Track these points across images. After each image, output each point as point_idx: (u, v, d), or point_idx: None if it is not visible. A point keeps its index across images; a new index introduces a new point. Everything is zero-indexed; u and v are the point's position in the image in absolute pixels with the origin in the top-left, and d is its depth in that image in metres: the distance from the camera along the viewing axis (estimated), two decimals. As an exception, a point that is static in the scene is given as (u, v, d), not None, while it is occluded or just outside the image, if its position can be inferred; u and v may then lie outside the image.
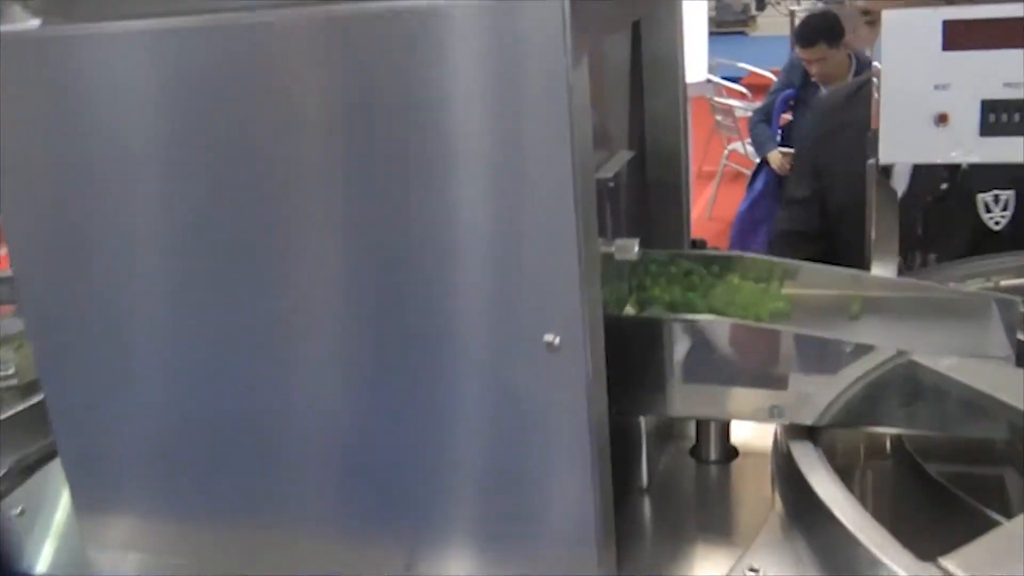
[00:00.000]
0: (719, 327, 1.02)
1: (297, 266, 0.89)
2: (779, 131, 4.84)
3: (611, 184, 1.00)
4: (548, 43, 0.72)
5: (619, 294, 1.16)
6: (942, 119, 1.25)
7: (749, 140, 5.38)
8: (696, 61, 5.56)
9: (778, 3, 9.72)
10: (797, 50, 4.63)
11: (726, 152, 6.33)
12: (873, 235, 1.47)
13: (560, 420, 0.83)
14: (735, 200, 5.32)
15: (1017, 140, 1.24)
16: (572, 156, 0.76)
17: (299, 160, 0.85)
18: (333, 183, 0.85)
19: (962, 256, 1.82)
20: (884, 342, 1.13)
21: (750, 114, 5.66)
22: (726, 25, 10.10)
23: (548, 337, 0.80)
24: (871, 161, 1.43)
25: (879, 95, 1.30)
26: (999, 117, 1.24)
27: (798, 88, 4.77)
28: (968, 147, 1.25)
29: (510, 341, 0.82)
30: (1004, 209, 1.79)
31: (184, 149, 0.87)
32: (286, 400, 0.93)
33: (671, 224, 1.25)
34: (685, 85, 1.19)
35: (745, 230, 5.06)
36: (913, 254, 1.92)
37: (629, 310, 1.15)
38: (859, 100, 1.96)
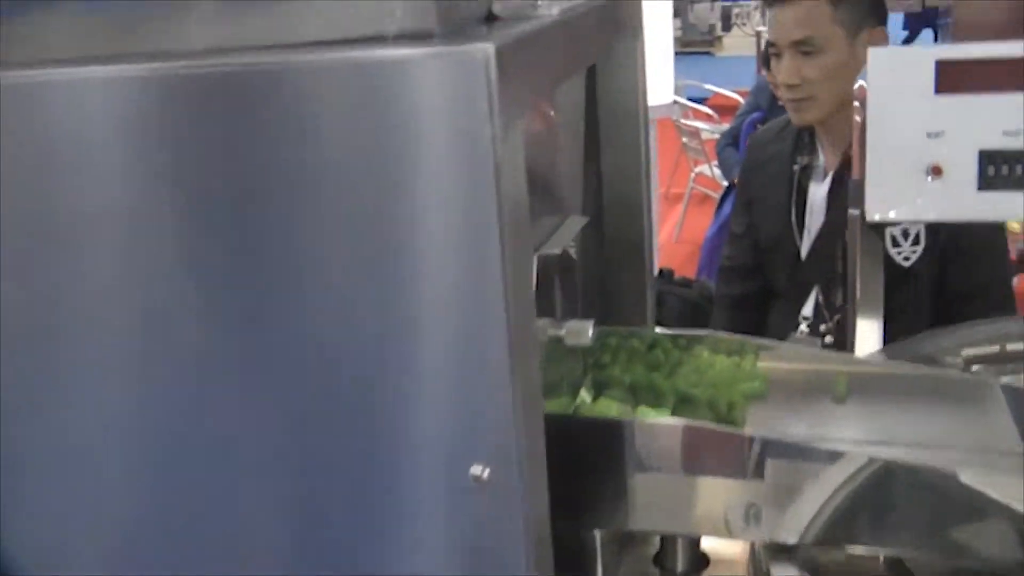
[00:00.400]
0: (684, 432, 0.86)
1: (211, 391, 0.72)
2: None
3: (560, 259, 0.85)
4: (469, 109, 0.56)
5: (572, 376, 1.00)
6: (935, 171, 1.11)
7: (716, 163, 5.28)
8: (662, 82, 5.44)
9: (744, 24, 9.69)
10: (764, 72, 4.53)
11: (693, 174, 6.23)
12: (858, 292, 1.33)
13: (492, 565, 0.66)
14: (703, 223, 5.22)
15: (1019, 196, 1.10)
16: (501, 244, 0.60)
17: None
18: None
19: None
20: (874, 435, 0.99)
21: (717, 136, 5.56)
22: (692, 45, 10.02)
23: (475, 470, 0.64)
24: (854, 213, 1.29)
25: (865, 128, 1.16)
26: (999, 169, 1.10)
27: (766, 110, 4.67)
28: (965, 203, 1.11)
29: (429, 475, 0.66)
30: (915, 243, 1.60)
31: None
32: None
33: (633, 287, 1.10)
34: (648, 134, 1.05)
35: (713, 253, 4.95)
36: (835, 292, 1.82)
37: (584, 396, 1.00)
38: (788, 133, 1.90)
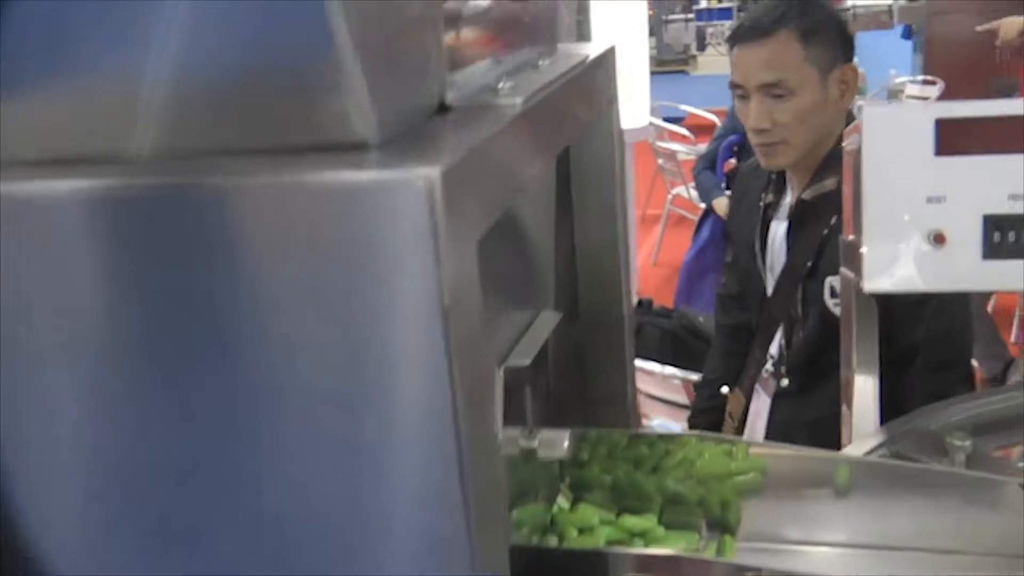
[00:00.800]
0: (673, 563, 0.77)
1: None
2: (724, 177, 4.69)
3: (529, 369, 0.75)
4: (411, 239, 0.46)
5: (548, 479, 0.91)
6: (938, 239, 1.02)
7: (693, 184, 5.21)
8: (638, 105, 5.37)
9: (719, 44, 9.67)
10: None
11: (670, 196, 6.16)
12: (854, 356, 1.25)
13: None
14: (680, 245, 5.15)
15: (1026, 264, 1.02)
16: (451, 383, 0.50)
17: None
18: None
19: (816, 348, 1.65)
20: (877, 538, 0.90)
21: (693, 157, 5.50)
22: (667, 64, 9.99)
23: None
24: (848, 274, 1.21)
25: (857, 188, 1.07)
26: (1005, 236, 1.01)
27: (742, 134, 4.62)
28: (969, 273, 1.03)
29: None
30: None
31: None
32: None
33: (611, 372, 1.00)
34: (624, 203, 0.95)
35: (692, 278, 4.90)
36: (794, 334, 1.75)
37: (562, 502, 0.90)
38: (762, 171, 1.83)
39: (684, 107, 6.75)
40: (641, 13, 5.21)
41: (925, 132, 1.01)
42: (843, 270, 1.24)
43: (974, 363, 1.78)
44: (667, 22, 10.30)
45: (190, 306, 0.55)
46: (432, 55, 0.60)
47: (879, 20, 7.81)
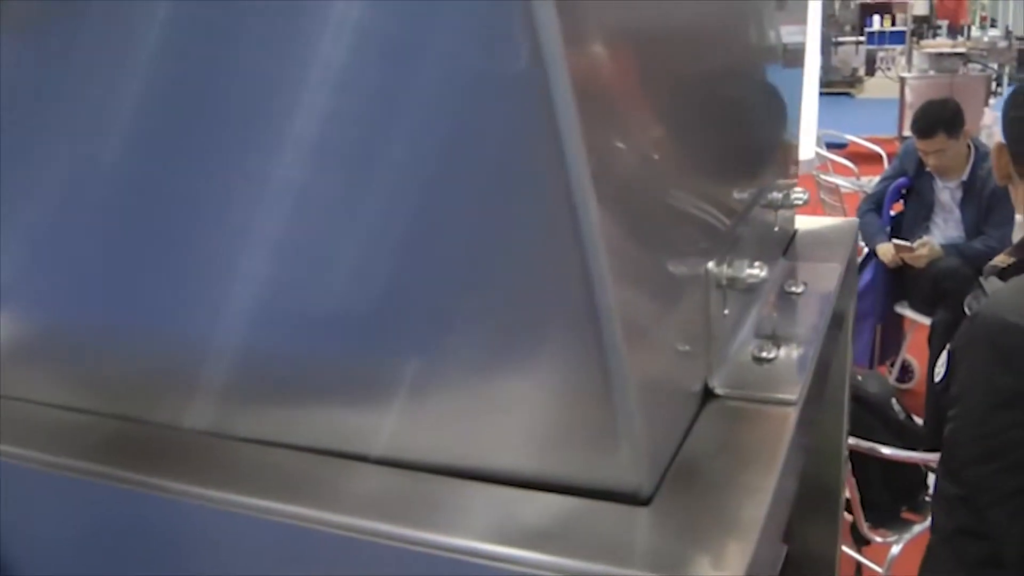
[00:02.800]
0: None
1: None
2: (890, 220, 4.67)
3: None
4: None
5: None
6: None
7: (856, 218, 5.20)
8: (805, 135, 5.40)
9: (889, 68, 9.44)
10: (913, 140, 4.47)
11: (828, 227, 6.15)
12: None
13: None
14: (836, 281, 5.15)
15: None
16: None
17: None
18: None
19: None
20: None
21: (855, 190, 5.46)
22: (833, 85, 9.81)
23: None
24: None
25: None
26: None
27: (911, 177, 4.61)
28: None
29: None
30: None
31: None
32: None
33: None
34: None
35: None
36: None
37: None
38: None
39: (849, 136, 6.68)
40: (814, 37, 5.19)
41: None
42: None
43: None
44: (837, 44, 10.12)
45: None
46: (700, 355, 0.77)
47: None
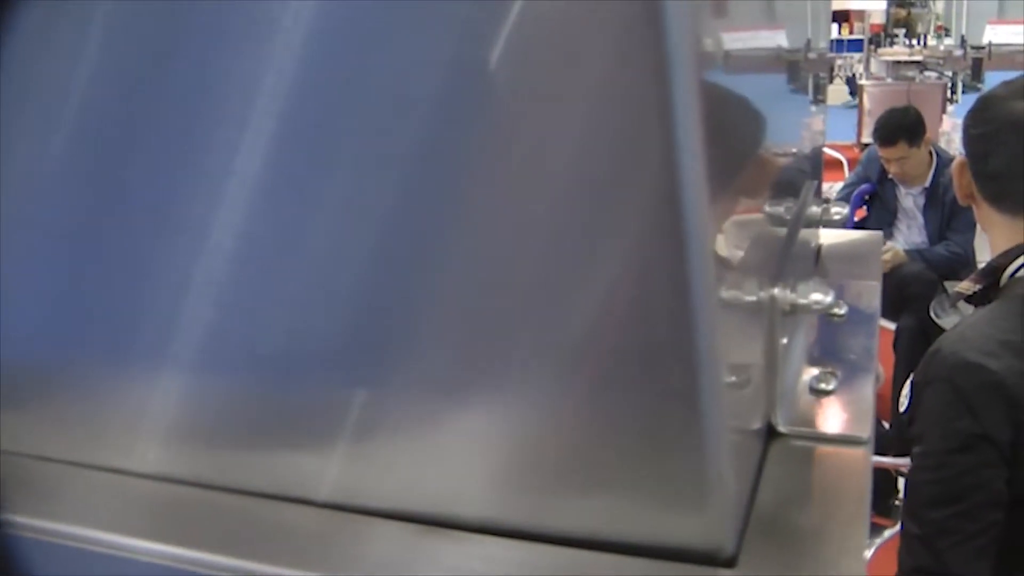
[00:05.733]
0: None
1: None
2: (854, 226, 4.69)
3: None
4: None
5: None
6: None
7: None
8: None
9: (836, 75, 9.52)
10: (876, 147, 4.50)
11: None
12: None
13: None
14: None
15: None
16: None
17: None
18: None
19: None
20: None
21: (817, 197, 5.50)
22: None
23: None
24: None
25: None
26: None
27: (875, 183, 4.64)
28: None
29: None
30: None
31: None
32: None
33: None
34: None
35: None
36: None
37: None
38: None
39: (810, 144, 6.71)
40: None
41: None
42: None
43: None
44: (793, 49, 10.20)
45: None
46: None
47: (1013, 60, 7.68)
